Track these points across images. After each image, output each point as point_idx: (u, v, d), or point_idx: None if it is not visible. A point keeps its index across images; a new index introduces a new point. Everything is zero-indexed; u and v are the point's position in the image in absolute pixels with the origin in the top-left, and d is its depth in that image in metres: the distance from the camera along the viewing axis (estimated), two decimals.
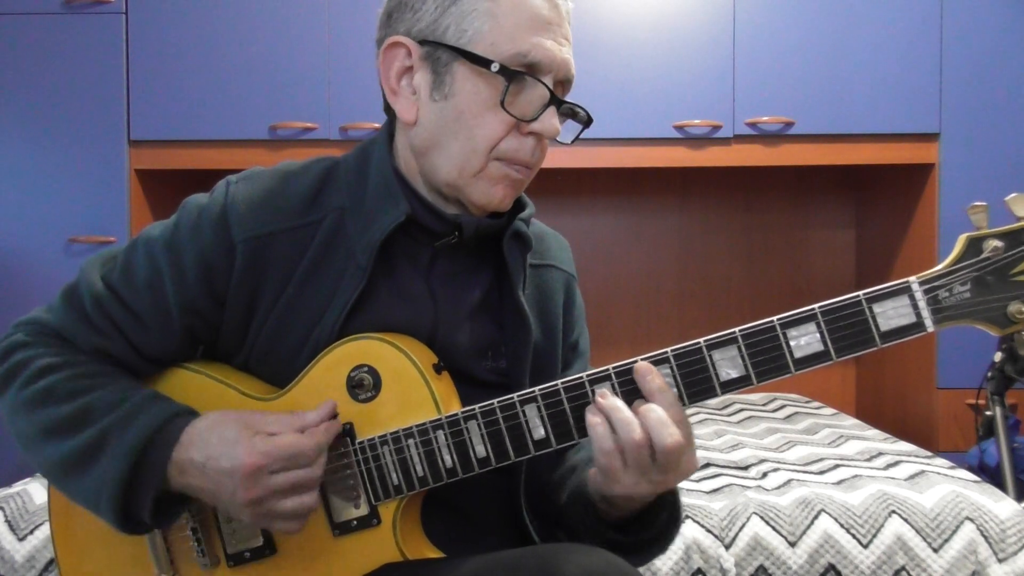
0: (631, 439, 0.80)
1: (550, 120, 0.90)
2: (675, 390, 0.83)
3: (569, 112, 0.96)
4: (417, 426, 0.88)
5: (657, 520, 0.91)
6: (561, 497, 0.99)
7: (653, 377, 0.82)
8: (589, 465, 0.93)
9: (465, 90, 0.89)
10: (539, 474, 1.02)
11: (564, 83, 0.93)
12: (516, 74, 0.87)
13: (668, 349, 0.83)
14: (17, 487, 1.58)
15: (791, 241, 2.80)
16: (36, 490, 1.55)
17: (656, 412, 0.80)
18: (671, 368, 0.83)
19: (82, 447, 0.87)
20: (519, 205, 1.00)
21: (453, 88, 0.89)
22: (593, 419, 0.82)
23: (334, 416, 0.89)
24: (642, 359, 0.83)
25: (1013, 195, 0.78)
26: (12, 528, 1.48)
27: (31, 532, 1.48)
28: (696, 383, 0.83)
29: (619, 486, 0.83)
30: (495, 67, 0.87)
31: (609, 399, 0.82)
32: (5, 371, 0.93)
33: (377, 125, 2.30)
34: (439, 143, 0.91)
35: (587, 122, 0.97)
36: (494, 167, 0.91)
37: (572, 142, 0.97)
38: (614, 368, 0.84)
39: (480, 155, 0.90)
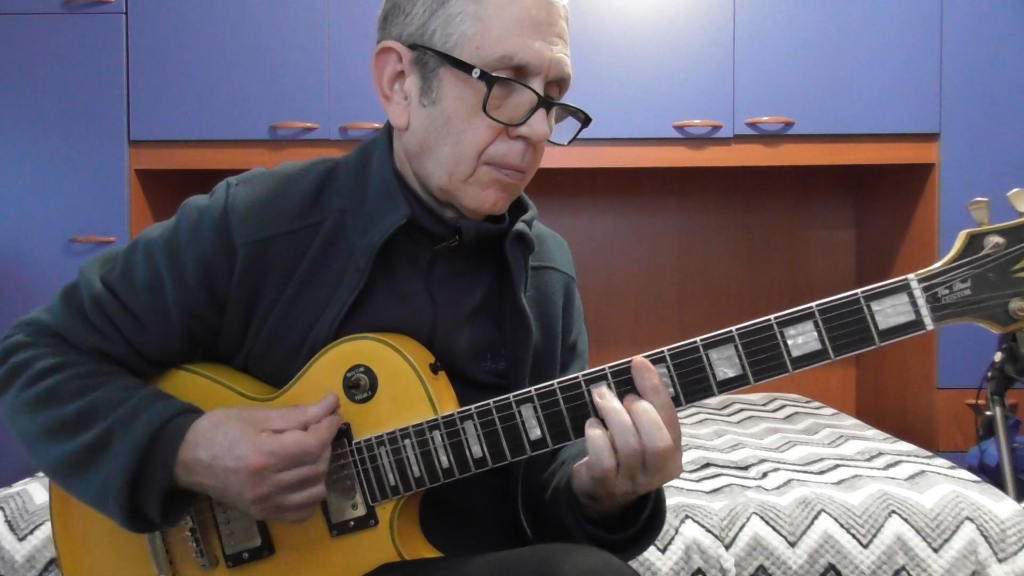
0: (628, 446, 0.80)
1: (539, 123, 0.88)
2: (671, 390, 0.82)
3: (568, 111, 0.94)
4: (413, 426, 0.88)
5: (638, 519, 0.91)
6: (546, 494, 0.99)
7: (651, 375, 0.81)
8: (575, 460, 0.93)
9: (451, 95, 0.88)
10: (533, 473, 1.01)
11: (559, 83, 0.91)
12: (497, 79, 0.86)
13: (664, 348, 0.82)
14: (17, 487, 1.58)
15: (791, 241, 2.80)
16: (36, 490, 1.55)
17: (649, 413, 0.80)
18: (667, 367, 0.82)
19: (87, 446, 0.87)
20: (521, 207, 1.00)
21: (440, 93, 0.88)
22: (593, 431, 0.82)
23: (336, 409, 0.89)
24: (639, 358, 0.83)
25: (1015, 190, 0.76)
26: (12, 528, 1.48)
27: (31, 532, 1.48)
28: (693, 383, 0.82)
29: (604, 488, 0.84)
30: (475, 73, 0.85)
31: (608, 399, 0.82)
32: (6, 372, 0.93)
33: (377, 125, 2.30)
34: (429, 148, 0.90)
35: (585, 122, 0.95)
36: (484, 171, 0.89)
37: (569, 143, 0.95)
38: (610, 368, 0.84)
39: (468, 160, 0.89)
